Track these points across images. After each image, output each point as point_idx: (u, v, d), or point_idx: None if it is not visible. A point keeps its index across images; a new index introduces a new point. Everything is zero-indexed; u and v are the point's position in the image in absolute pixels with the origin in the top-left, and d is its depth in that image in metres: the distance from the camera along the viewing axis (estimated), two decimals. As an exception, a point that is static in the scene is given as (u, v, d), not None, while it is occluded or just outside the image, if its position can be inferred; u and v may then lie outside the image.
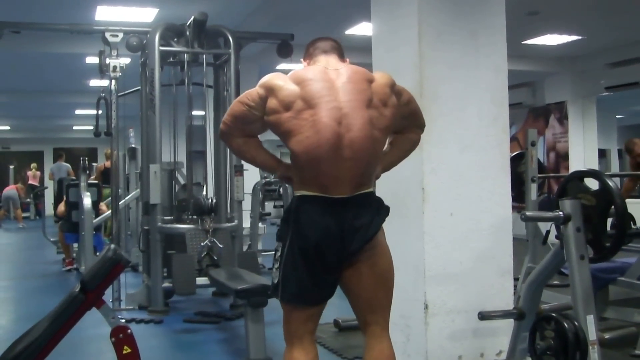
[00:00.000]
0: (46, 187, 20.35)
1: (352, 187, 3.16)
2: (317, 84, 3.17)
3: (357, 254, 3.16)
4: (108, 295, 7.42)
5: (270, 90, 3.22)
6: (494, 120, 5.11)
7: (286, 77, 3.25)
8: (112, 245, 4.74)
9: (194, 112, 8.44)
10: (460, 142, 4.95)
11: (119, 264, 4.29)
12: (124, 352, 4.18)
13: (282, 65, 11.23)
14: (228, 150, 7.77)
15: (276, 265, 3.27)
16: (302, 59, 3.49)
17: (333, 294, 3.29)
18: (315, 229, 3.12)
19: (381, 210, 3.26)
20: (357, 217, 3.13)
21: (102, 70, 7.80)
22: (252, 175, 9.54)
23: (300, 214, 3.15)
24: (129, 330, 4.23)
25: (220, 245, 7.35)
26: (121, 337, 4.18)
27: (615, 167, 20.52)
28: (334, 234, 3.11)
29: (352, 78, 3.22)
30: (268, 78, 3.28)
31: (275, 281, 3.28)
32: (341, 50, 3.45)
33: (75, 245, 10.58)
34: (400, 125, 3.45)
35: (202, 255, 7.25)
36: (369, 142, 3.15)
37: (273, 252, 3.32)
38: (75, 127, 24.87)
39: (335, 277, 3.25)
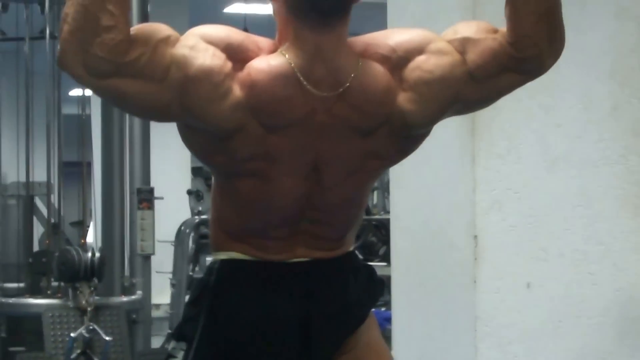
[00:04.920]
0: None
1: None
2: (289, 128, 2.20)
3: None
4: None
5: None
6: (614, 111, 3.64)
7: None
8: None
9: (66, 92, 7.91)
10: (546, 151, 3.66)
11: None
12: None
13: (233, 7, 9.58)
14: (127, 162, 6.48)
15: None
16: None
17: None
18: (254, 323, 2.28)
19: (374, 284, 2.46)
20: (334, 295, 2.33)
21: None
22: (174, 207, 8.29)
23: (226, 293, 2.33)
24: None
25: (107, 338, 5.56)
26: None
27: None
28: (289, 329, 2.28)
29: (347, 119, 2.18)
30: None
31: None
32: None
33: None
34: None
35: (73, 356, 5.48)
36: (349, 201, 2.39)
37: None
38: None
39: None
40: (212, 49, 2.09)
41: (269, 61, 2.14)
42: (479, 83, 2.23)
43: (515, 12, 2.17)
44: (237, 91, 2.12)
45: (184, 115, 2.15)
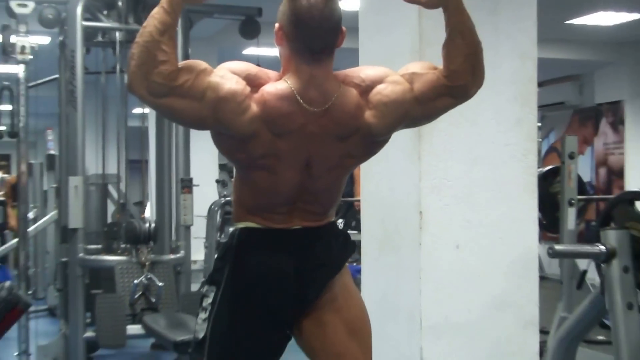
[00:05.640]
0: None
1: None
2: (290, 134, 2.64)
3: (316, 299, 2.79)
4: (12, 347, 6.55)
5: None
6: (517, 123, 4.20)
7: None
8: (8, 283, 4.41)
9: (130, 110, 7.90)
10: (470, 152, 4.17)
11: (17, 307, 3.99)
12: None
13: (249, 50, 10.04)
14: (174, 160, 7.09)
15: (203, 316, 2.78)
16: (276, 30, 2.61)
17: (279, 357, 2.83)
18: (264, 272, 2.73)
19: (347, 245, 2.93)
20: (320, 252, 2.80)
21: (6, 52, 6.43)
22: (206, 192, 8.79)
23: (244, 251, 2.75)
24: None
25: (160, 284, 6.24)
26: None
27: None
28: (288, 276, 2.74)
29: (330, 128, 2.65)
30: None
31: (201, 336, 2.77)
32: (337, 40, 2.63)
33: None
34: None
35: (136, 297, 6.17)
36: (331, 187, 2.84)
37: (200, 298, 2.83)
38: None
39: (285, 334, 2.82)
40: (236, 78, 2.53)
41: (277, 86, 2.57)
42: (423, 104, 2.73)
43: (449, 54, 2.68)
44: (254, 107, 2.55)
45: (216, 124, 2.59)
